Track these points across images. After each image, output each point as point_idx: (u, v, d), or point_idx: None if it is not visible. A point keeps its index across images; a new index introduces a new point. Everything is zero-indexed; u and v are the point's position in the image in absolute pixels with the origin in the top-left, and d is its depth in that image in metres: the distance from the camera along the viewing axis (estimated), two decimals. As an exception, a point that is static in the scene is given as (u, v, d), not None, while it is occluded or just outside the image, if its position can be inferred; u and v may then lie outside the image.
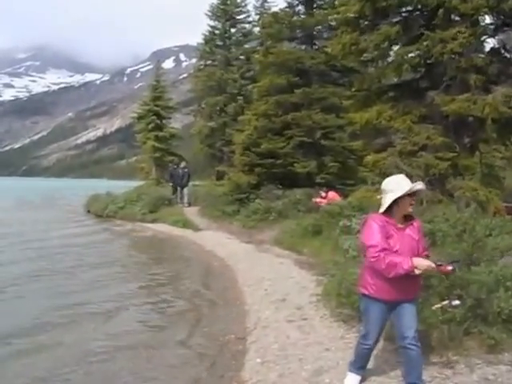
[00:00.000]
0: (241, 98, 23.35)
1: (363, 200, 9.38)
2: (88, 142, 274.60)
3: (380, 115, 9.53)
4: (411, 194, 3.19)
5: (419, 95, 9.53)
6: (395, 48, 10.04)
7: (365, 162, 10.16)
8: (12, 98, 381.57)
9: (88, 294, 7.23)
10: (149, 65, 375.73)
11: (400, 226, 3.21)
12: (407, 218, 3.27)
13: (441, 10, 8.76)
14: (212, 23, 25.60)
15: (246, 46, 25.19)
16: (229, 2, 25.15)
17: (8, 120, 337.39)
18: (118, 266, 9.73)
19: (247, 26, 25.88)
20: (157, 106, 26.11)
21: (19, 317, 5.97)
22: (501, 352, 3.80)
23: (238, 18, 25.66)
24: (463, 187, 8.43)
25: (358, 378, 3.50)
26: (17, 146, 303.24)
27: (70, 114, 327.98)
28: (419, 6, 9.56)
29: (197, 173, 21.80)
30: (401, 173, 5.68)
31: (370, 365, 3.62)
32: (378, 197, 3.35)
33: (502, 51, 9.42)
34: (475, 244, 4.70)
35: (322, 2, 16.24)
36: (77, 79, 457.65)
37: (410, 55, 9.38)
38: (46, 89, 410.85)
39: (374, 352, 3.58)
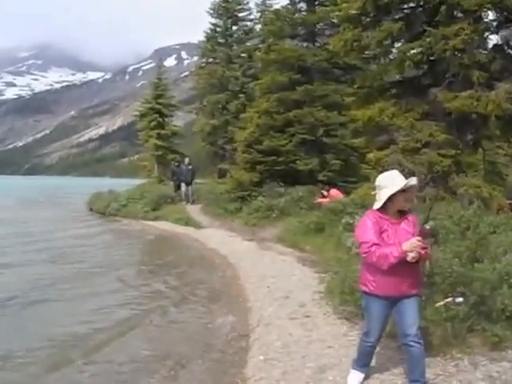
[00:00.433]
0: (243, 95, 23.31)
1: (366, 197, 9.34)
2: (90, 140, 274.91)
3: (382, 112, 9.50)
4: (405, 190, 3.19)
5: (422, 92, 9.49)
6: (397, 45, 10.00)
7: (367, 160, 10.15)
8: (15, 97, 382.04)
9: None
10: (151, 63, 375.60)
11: (395, 220, 3.23)
12: (402, 213, 3.28)
13: (443, 7, 8.71)
14: (214, 21, 25.57)
15: (248, 43, 25.13)
16: (230, 0, 25.09)
17: (11, 118, 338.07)
18: (122, 267, 9.74)
19: (249, 23, 25.84)
20: (159, 103, 26.08)
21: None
22: (505, 349, 3.79)
23: (240, 15, 25.60)
24: (466, 184, 8.40)
25: (362, 375, 3.49)
26: (19, 144, 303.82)
27: (72, 113, 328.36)
28: (421, 3, 9.52)
29: (199, 171, 21.74)
30: (403, 170, 5.67)
31: (373, 362, 3.61)
32: (373, 193, 3.37)
33: (505, 47, 9.35)
34: (479, 241, 4.69)
35: (324, -1, 16.18)
36: (79, 77, 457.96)
37: (412, 52, 9.34)
38: (48, 87, 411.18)
39: (377, 349, 3.57)
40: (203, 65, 26.31)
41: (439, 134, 8.77)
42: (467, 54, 8.55)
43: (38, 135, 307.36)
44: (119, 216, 18.41)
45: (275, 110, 15.23)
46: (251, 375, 3.96)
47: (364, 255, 3.16)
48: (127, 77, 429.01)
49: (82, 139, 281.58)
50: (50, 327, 5.62)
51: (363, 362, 3.50)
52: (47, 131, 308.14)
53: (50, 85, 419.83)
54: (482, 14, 8.89)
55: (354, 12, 9.89)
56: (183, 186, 18.42)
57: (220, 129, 24.17)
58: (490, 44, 9.44)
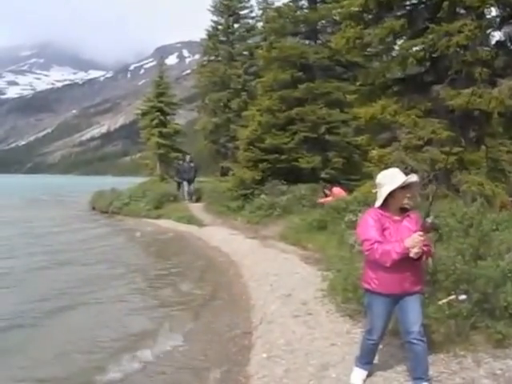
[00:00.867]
0: (244, 93, 23.29)
1: (368, 195, 9.31)
2: (92, 138, 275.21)
3: (385, 110, 9.47)
4: (406, 187, 3.20)
5: (424, 89, 9.45)
6: (400, 42, 9.96)
7: (369, 157, 10.11)
8: (16, 96, 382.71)
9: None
10: (152, 61, 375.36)
11: (396, 218, 3.24)
12: (404, 211, 3.28)
13: (446, 3, 8.66)
14: (215, 19, 25.53)
15: (250, 41, 25.09)
16: (232, -3, 25.05)
17: (13, 117, 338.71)
18: (128, 266, 9.76)
19: (250, 21, 25.79)
20: (160, 102, 26.07)
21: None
22: (508, 346, 3.78)
23: (242, 13, 25.56)
24: (469, 181, 8.37)
25: (365, 372, 3.50)
26: (22, 143, 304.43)
27: (74, 111, 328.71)
28: (424, -1, 9.49)
29: (201, 169, 21.74)
30: (406, 168, 5.66)
31: (376, 359, 3.61)
32: (374, 191, 3.37)
33: (508, 44, 9.31)
34: (482, 238, 4.68)
35: (326, -4, 16.12)
36: (80, 76, 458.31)
37: (414, 49, 9.29)
38: (50, 86, 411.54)
39: (380, 346, 3.58)
40: (205, 63, 26.29)
41: (442, 131, 8.74)
42: (470, 51, 8.51)
43: (40, 134, 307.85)
44: (121, 214, 18.43)
45: (277, 107, 15.21)
46: (254, 373, 3.96)
47: (367, 252, 3.16)
48: (129, 75, 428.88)
49: (84, 138, 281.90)
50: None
51: (366, 359, 3.51)
52: (49, 130, 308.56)
53: (52, 84, 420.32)
54: (485, 10, 8.85)
55: (355, 9, 9.86)
56: (185, 184, 18.34)
57: (222, 127, 24.16)
58: (493, 40, 9.42)
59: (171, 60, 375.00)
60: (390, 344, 3.87)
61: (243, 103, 22.63)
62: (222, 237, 11.77)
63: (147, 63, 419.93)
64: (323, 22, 16.03)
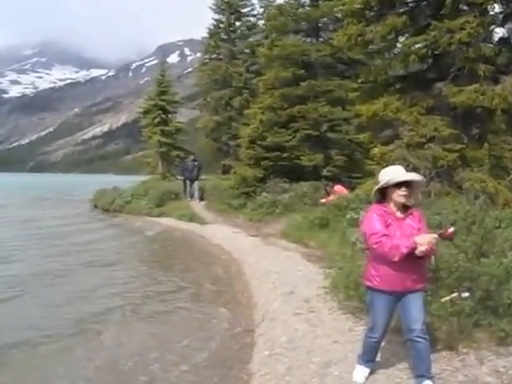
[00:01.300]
0: (246, 91, 23.25)
1: (370, 193, 9.27)
2: (94, 137, 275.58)
3: (387, 107, 9.44)
4: (400, 185, 3.18)
5: (426, 86, 9.42)
6: (402, 39, 9.92)
7: (372, 155, 10.09)
8: (19, 95, 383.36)
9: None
10: (154, 59, 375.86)
11: (400, 215, 3.24)
12: (407, 208, 3.28)
13: (449, 0, 8.63)
14: (216, 17, 25.47)
15: (251, 39, 25.02)
16: (233, -5, 24.99)
17: (15, 116, 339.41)
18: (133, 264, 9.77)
19: (252, 19, 25.72)
20: (162, 100, 26.07)
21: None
22: (511, 344, 3.77)
23: (243, 11, 25.49)
24: (472, 179, 8.34)
25: (367, 370, 3.49)
26: (24, 142, 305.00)
27: (76, 110, 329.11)
28: (426, -4, 9.44)
29: (203, 167, 21.70)
30: (408, 165, 5.64)
31: (379, 357, 3.60)
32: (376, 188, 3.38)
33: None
34: (485, 236, 4.66)
35: (328, -6, 16.07)
36: (82, 75, 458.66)
37: (416, 46, 9.25)
38: (52, 85, 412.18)
39: (382, 344, 3.56)
40: (206, 61, 26.25)
41: (444, 128, 8.71)
42: (473, 48, 8.47)
43: (43, 133, 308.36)
44: (124, 212, 18.44)
45: (279, 105, 15.19)
46: (256, 370, 3.96)
47: (375, 246, 3.12)
48: (130, 74, 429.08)
49: (85, 136, 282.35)
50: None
51: (368, 357, 3.50)
52: (51, 129, 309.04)
53: (54, 82, 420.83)
54: (488, 6, 8.80)
55: (357, 6, 9.80)
56: (188, 183, 18.19)
57: (224, 125, 24.13)
58: (496, 37, 9.37)
59: (173, 58, 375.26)
60: (392, 341, 3.86)
61: (245, 101, 22.60)
62: (224, 235, 11.77)
63: (149, 62, 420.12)
64: (325, 19, 15.98)
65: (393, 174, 3.23)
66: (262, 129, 15.22)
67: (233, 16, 25.28)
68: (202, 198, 17.86)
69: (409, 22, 9.17)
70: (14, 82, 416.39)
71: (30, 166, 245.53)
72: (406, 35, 9.72)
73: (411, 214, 3.26)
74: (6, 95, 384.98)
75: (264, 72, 17.10)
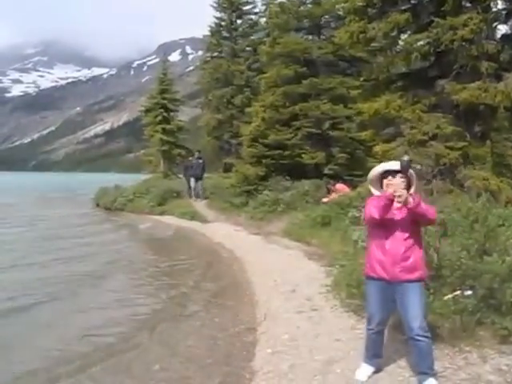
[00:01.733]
0: (248, 89, 23.21)
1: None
2: (96, 135, 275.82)
3: (389, 105, 9.41)
4: (386, 176, 3.24)
5: (429, 84, 9.38)
6: (404, 36, 9.89)
7: (373, 153, 10.06)
8: (21, 94, 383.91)
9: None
10: (155, 58, 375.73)
11: (397, 205, 3.24)
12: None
13: (451, -3, 8.59)
14: (218, 15, 25.40)
15: (253, 37, 24.96)
16: (235, -7, 24.92)
17: (17, 115, 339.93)
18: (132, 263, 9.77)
19: (253, 16, 25.63)
20: (164, 98, 26.06)
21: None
22: (514, 342, 3.75)
23: (244, 8, 25.40)
24: (474, 177, 8.31)
25: (371, 368, 3.46)
26: (26, 141, 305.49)
27: (78, 109, 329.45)
28: (429, -7, 9.39)
29: (207, 165, 21.63)
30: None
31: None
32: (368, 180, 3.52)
33: (514, 37, 9.23)
34: (487, 234, 4.63)
35: (329, -9, 16.01)
36: (84, 73, 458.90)
37: (419, 43, 9.21)
38: (54, 84, 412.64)
39: (384, 342, 3.55)
40: (208, 59, 26.20)
41: (446, 126, 8.68)
42: (475, 45, 8.43)
43: (45, 132, 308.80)
44: (126, 211, 18.46)
45: (281, 103, 15.17)
46: (259, 368, 3.95)
47: (366, 216, 3.25)
48: (132, 72, 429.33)
49: (87, 135, 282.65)
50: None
51: (371, 352, 3.47)
52: (53, 127, 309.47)
53: (56, 81, 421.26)
54: (491, 3, 8.76)
55: (359, 3, 9.78)
56: (192, 182, 17.95)
57: (225, 123, 24.11)
58: (499, 34, 9.33)
59: (174, 57, 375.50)
60: (394, 339, 3.85)
61: (246, 99, 22.56)
62: (226, 233, 11.77)
63: (150, 60, 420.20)
64: (327, 16, 15.95)
65: (380, 165, 3.33)
66: (264, 127, 15.20)
67: (234, 14, 25.22)
68: (205, 197, 17.73)
69: (411, 19, 9.14)
70: (16, 81, 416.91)
71: (32, 165, 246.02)
72: (409, 32, 9.69)
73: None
74: (8, 94, 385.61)
75: (266, 70, 17.07)
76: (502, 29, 9.27)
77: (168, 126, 25.59)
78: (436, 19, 8.70)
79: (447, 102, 8.94)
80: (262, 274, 7.30)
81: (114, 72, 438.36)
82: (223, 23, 25.40)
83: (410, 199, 3.07)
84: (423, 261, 3.30)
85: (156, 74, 29.54)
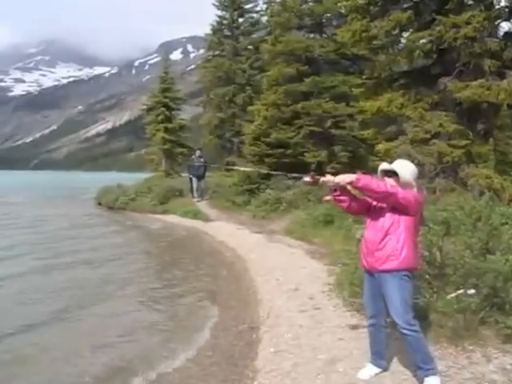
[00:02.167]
0: (249, 88, 23.19)
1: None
2: (98, 134, 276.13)
3: (391, 103, 9.40)
4: (384, 176, 3.29)
5: (431, 82, 9.36)
6: (406, 34, 9.86)
7: (376, 151, 10.05)
8: (23, 93, 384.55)
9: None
10: (157, 57, 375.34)
11: None
12: None
13: (454, -6, 8.57)
14: (220, 13, 25.36)
15: (255, 35, 24.93)
16: (236, -8, 24.88)
17: (20, 114, 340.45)
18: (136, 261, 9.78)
19: (255, 15, 25.60)
20: (166, 97, 26.01)
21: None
22: (518, 341, 3.74)
23: (246, 7, 25.37)
24: (477, 175, 8.29)
25: (374, 369, 3.44)
26: (28, 140, 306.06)
27: (79, 108, 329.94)
28: (431, -9, 9.36)
29: (209, 164, 21.54)
30: (413, 161, 5.61)
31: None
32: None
33: (517, 35, 9.20)
34: (491, 232, 4.62)
35: (331, -11, 15.97)
36: (86, 72, 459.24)
37: (421, 41, 9.20)
38: (56, 83, 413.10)
39: (388, 341, 3.54)
40: (210, 58, 26.18)
41: (449, 124, 8.66)
42: (478, 43, 8.41)
43: (46, 130, 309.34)
44: (128, 210, 18.47)
45: (283, 102, 15.15)
46: (262, 367, 3.95)
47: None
48: (134, 71, 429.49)
49: (89, 134, 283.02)
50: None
51: (373, 348, 3.46)
52: (55, 126, 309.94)
53: (58, 80, 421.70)
54: (494, 0, 8.74)
55: (361, 2, 9.77)
56: (194, 181, 17.41)
57: (227, 122, 24.10)
58: (502, 32, 9.29)
59: (176, 55, 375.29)
60: (397, 338, 3.82)
61: (248, 98, 22.55)
62: (228, 231, 11.77)
63: (152, 59, 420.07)
64: (328, 15, 15.89)
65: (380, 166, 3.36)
66: (266, 125, 15.19)
67: (236, 12, 25.17)
68: (207, 197, 17.50)
69: (413, 17, 9.13)
70: (18, 81, 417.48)
71: (34, 164, 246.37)
72: (411, 30, 9.67)
73: None
74: (10, 93, 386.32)
75: (267, 68, 17.04)
76: (505, 26, 9.26)
77: (170, 125, 25.57)
78: (438, 17, 8.68)
79: (450, 100, 8.92)
80: (265, 272, 7.30)
81: (115, 71, 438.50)
82: (225, 21, 25.36)
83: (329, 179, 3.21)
84: (406, 251, 3.10)
85: (157, 73, 29.52)
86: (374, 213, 3.25)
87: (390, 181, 3.23)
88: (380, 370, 3.44)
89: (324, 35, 16.09)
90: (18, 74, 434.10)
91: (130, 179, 25.80)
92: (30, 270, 8.30)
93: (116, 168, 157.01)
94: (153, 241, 12.50)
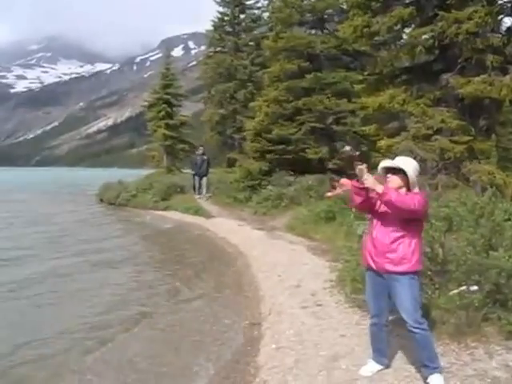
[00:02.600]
0: (251, 84, 23.13)
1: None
2: (99, 131, 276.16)
3: (393, 99, 9.35)
4: (386, 173, 3.25)
5: (433, 78, 9.32)
6: (408, 30, 9.81)
7: (377, 147, 10.02)
8: (25, 90, 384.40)
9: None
10: (158, 53, 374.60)
11: None
12: None
13: (456, -11, 8.51)
14: (221, 9, 25.26)
15: (256, 31, 24.83)
16: (238, -12, 24.78)
17: (21, 111, 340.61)
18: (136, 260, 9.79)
19: (256, 11, 25.48)
20: (167, 94, 26.00)
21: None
22: (521, 338, 3.73)
23: (247, 3, 25.23)
24: (479, 171, 8.26)
25: (376, 366, 3.44)
26: (30, 136, 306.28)
27: (81, 104, 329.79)
28: (433, -14, 9.30)
29: (211, 161, 21.49)
30: (415, 157, 5.60)
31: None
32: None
33: (520, 30, 9.14)
34: (493, 229, 4.60)
35: (333, -15, 15.89)
36: (87, 69, 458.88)
37: (423, 37, 9.15)
38: (57, 79, 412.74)
39: (390, 338, 3.54)
40: (211, 54, 26.11)
41: (451, 120, 8.62)
42: (480, 38, 8.36)
43: (48, 127, 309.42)
44: (129, 206, 18.49)
45: (284, 98, 15.11)
46: (264, 363, 3.96)
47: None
48: (135, 67, 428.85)
49: (90, 130, 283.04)
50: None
51: (374, 346, 3.46)
52: (57, 123, 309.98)
53: (59, 77, 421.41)
54: (496, -5, 8.67)
55: (363, -3, 9.71)
56: (196, 179, 17.16)
57: (228, 118, 24.06)
58: (504, 27, 9.24)
59: (177, 52, 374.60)
60: (400, 335, 3.83)
61: (250, 94, 22.50)
62: (230, 228, 11.77)
63: (153, 55, 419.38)
64: (330, 10, 15.83)
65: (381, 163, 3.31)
66: (268, 122, 15.17)
67: (237, 8, 25.07)
68: (209, 195, 17.39)
69: (415, 12, 9.07)
70: (20, 77, 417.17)
71: (35, 161, 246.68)
72: (413, 26, 9.62)
73: None
74: (12, 90, 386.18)
75: (269, 64, 16.99)
76: (508, 21, 9.20)
77: (171, 121, 25.56)
78: (440, 12, 8.63)
79: (452, 96, 8.88)
80: (267, 269, 7.30)
81: (116, 67, 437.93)
82: (226, 18, 25.26)
83: (366, 177, 3.02)
84: (417, 254, 3.16)
85: (159, 70, 29.47)
86: (382, 215, 3.20)
87: (395, 179, 3.18)
88: (382, 366, 3.44)
89: (325, 31, 16.03)
90: (19, 71, 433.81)
91: (132, 176, 25.79)
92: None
93: (117, 164, 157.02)
94: (151, 238, 12.48)
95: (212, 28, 25.68)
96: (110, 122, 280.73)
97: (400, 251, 3.13)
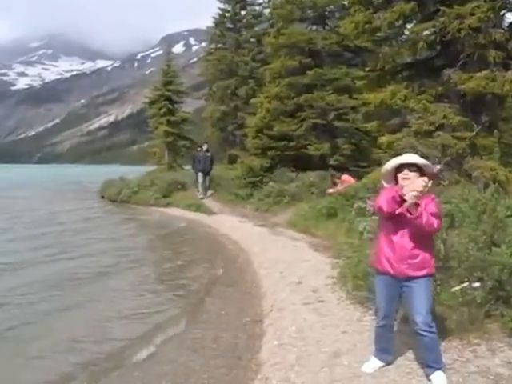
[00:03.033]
0: (252, 80, 23.13)
1: (378, 182, 9.23)
2: (100, 128, 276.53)
3: (394, 95, 9.32)
4: (401, 169, 3.16)
5: (435, 74, 9.28)
6: (410, 26, 9.78)
7: (379, 143, 10.00)
8: (26, 87, 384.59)
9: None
10: (159, 50, 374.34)
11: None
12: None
13: (458, -15, 8.46)
14: (222, 6, 25.26)
15: (257, 28, 24.83)
16: (239, -16, 24.72)
17: (23, 108, 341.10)
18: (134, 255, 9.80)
19: (258, 7, 25.50)
20: (168, 90, 25.99)
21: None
22: (523, 335, 3.72)
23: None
24: (482, 167, 8.24)
25: (378, 362, 3.42)
26: (31, 133, 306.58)
27: (82, 101, 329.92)
28: (435, -19, 9.25)
29: (214, 158, 21.40)
30: (417, 154, 5.60)
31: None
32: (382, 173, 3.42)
33: (523, 26, 9.09)
34: (496, 225, 4.58)
35: (334, -19, 15.83)
36: (88, 66, 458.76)
37: (425, 33, 9.12)
38: (58, 76, 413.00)
39: (392, 334, 3.53)
40: (212, 50, 26.10)
41: (453, 116, 8.59)
42: (483, 33, 8.31)
43: (49, 124, 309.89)
44: (131, 203, 18.51)
45: (285, 94, 15.10)
46: (266, 360, 3.95)
47: (377, 206, 3.17)
48: (136, 64, 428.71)
49: (92, 127, 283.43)
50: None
51: (378, 345, 3.44)
52: (58, 120, 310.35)
53: (61, 74, 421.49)
54: (499, -10, 8.61)
55: (365, -7, 9.67)
56: (200, 176, 16.72)
57: (230, 115, 24.06)
58: (507, 22, 9.18)
59: (178, 48, 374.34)
60: (402, 332, 3.82)
61: (251, 90, 22.50)
62: (232, 224, 11.77)
63: (154, 52, 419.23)
64: (331, 6, 15.81)
65: (395, 159, 3.24)
66: (269, 118, 15.16)
67: (238, 5, 25.05)
68: (211, 193, 17.29)
69: (417, 8, 9.03)
70: (21, 74, 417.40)
71: (37, 158, 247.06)
72: (414, 22, 9.58)
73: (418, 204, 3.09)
74: (13, 87, 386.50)
75: (270, 61, 16.97)
76: (510, 17, 9.18)
77: (172, 118, 25.56)
78: (442, 8, 8.59)
79: (454, 92, 8.85)
80: (268, 265, 7.29)
81: (117, 64, 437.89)
82: (227, 14, 25.25)
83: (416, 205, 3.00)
84: (434, 257, 3.23)
85: (160, 66, 29.45)
86: (405, 221, 3.11)
87: (412, 175, 3.09)
88: (384, 363, 3.44)
89: (327, 27, 16.00)
90: (20, 68, 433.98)
91: (133, 172, 25.79)
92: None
93: (119, 161, 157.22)
94: (154, 233, 12.49)
95: (213, 24, 25.68)
96: (111, 119, 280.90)
97: (421, 257, 3.14)
